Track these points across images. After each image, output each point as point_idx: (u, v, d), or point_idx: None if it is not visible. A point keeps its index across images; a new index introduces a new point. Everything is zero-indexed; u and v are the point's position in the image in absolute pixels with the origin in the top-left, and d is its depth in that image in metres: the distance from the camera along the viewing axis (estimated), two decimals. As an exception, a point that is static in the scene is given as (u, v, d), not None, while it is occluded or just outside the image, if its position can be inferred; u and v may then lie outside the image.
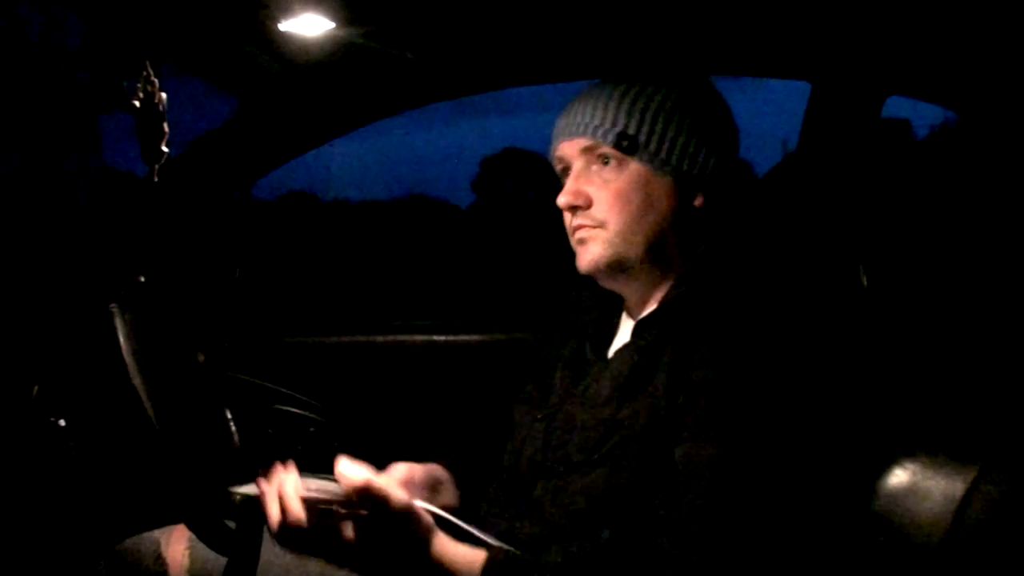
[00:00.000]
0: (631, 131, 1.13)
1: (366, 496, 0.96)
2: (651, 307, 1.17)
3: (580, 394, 1.17)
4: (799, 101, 1.83)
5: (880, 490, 1.11)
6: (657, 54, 1.66)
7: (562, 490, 1.11)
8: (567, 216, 1.17)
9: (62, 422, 1.37)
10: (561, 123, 1.19)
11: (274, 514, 1.00)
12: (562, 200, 1.16)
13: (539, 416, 1.22)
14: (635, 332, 1.15)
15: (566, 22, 1.65)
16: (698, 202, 1.15)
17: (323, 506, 0.98)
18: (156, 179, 1.36)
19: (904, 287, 1.46)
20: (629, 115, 1.13)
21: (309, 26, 1.51)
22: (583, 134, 1.15)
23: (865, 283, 1.41)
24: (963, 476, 1.06)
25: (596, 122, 1.14)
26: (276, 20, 1.48)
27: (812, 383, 1.03)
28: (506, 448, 1.27)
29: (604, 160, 1.15)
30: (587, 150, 1.15)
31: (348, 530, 0.98)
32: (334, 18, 1.50)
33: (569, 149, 1.17)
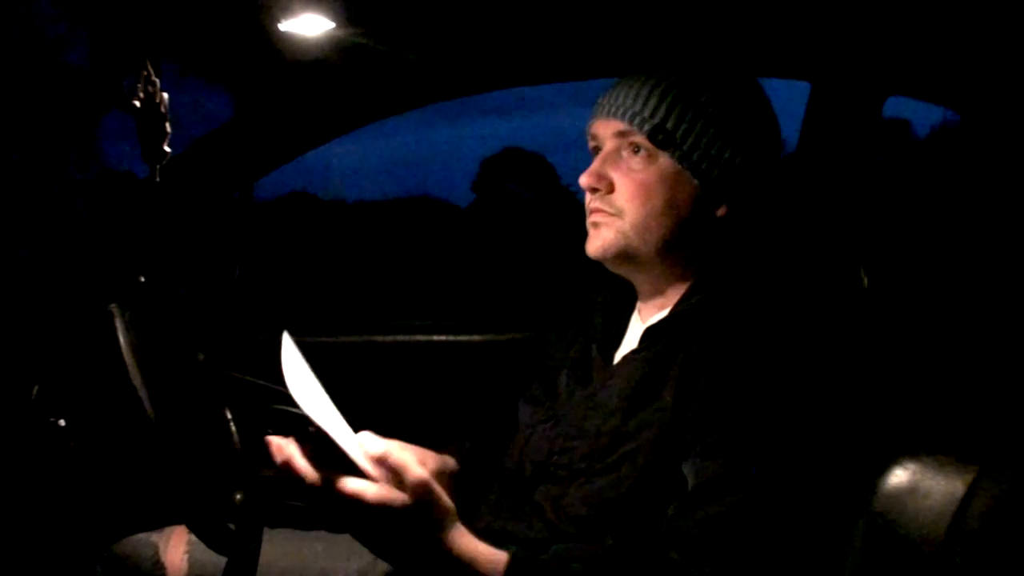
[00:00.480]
0: (669, 126, 1.11)
1: (384, 466, 0.90)
2: (660, 312, 1.16)
3: (586, 399, 1.16)
4: (799, 101, 1.83)
5: (880, 490, 1.11)
6: (657, 54, 1.66)
7: (564, 496, 1.10)
8: (587, 195, 1.16)
9: (62, 422, 1.37)
10: (602, 100, 1.16)
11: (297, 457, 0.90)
12: (584, 180, 1.14)
13: (544, 419, 1.21)
14: (644, 339, 1.14)
15: (566, 22, 1.65)
16: (721, 211, 1.13)
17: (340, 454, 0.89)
18: (157, 179, 1.36)
19: (904, 287, 1.46)
20: (670, 109, 1.11)
21: (309, 26, 1.51)
22: (620, 117, 1.13)
23: (866, 283, 1.41)
24: (963, 476, 1.06)
25: (636, 108, 1.12)
26: (276, 20, 1.48)
27: (824, 394, 1.03)
28: (508, 448, 1.27)
29: (635, 149, 1.13)
30: (620, 134, 1.13)
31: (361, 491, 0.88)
32: (334, 18, 1.50)
33: (603, 129, 1.15)
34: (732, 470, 0.98)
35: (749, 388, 1.00)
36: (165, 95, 1.33)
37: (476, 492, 1.27)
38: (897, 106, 1.76)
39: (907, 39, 1.62)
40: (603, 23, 1.63)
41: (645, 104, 1.12)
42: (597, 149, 1.17)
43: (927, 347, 1.41)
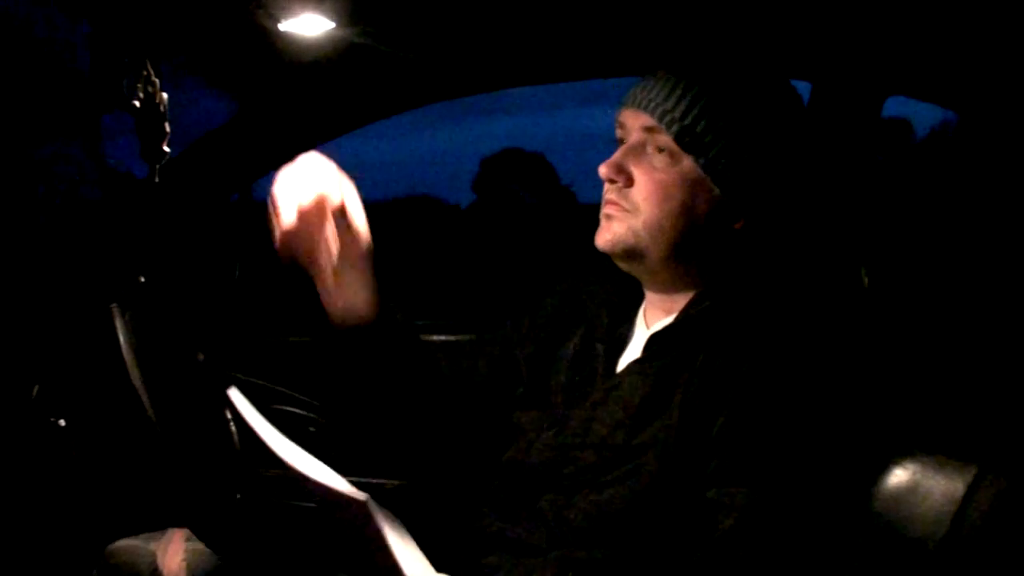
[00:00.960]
0: (698, 130, 1.07)
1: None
2: (666, 318, 1.15)
3: (590, 408, 1.14)
4: (799, 101, 1.83)
5: (880, 490, 1.11)
6: (656, 54, 1.66)
7: (567, 506, 1.09)
8: (606, 185, 1.13)
9: (62, 422, 1.37)
10: (636, 90, 1.12)
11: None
12: (603, 170, 1.11)
13: (547, 422, 1.18)
14: (648, 346, 1.12)
15: (566, 22, 1.65)
16: (738, 225, 1.11)
17: None
18: (156, 179, 1.36)
19: (904, 287, 1.46)
20: (702, 114, 1.07)
21: (309, 26, 1.51)
22: (650, 112, 1.09)
23: (866, 284, 1.41)
24: (963, 476, 1.06)
25: (667, 107, 1.08)
26: (276, 20, 1.48)
27: (839, 405, 1.03)
28: (506, 448, 1.25)
29: (659, 147, 1.09)
30: (648, 130, 1.10)
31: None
32: (334, 18, 1.50)
33: (632, 120, 1.12)
34: (762, 497, 0.99)
35: (770, 405, 1.00)
36: (165, 95, 1.33)
37: (475, 492, 1.26)
38: (897, 106, 1.76)
39: (907, 39, 1.62)
40: (602, 23, 1.63)
41: (677, 104, 1.08)
42: (623, 139, 1.14)
43: (927, 347, 1.41)
